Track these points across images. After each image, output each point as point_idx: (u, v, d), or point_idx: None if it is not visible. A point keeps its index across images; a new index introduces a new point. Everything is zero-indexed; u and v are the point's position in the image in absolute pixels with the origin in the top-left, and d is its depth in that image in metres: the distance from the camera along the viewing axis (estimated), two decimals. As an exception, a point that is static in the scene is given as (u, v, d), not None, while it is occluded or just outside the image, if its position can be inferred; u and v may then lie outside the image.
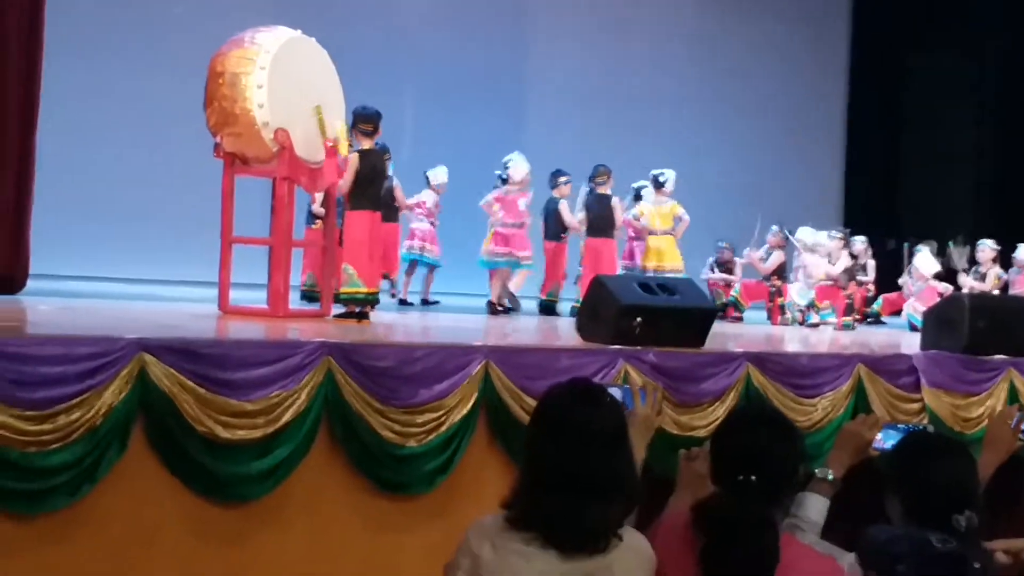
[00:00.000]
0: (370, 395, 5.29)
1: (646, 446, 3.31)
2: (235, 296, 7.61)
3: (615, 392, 3.24)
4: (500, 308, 10.11)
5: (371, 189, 7.78)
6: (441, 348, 5.69)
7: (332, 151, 7.44)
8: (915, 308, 11.54)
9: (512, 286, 10.42)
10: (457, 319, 9.28)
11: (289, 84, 7.34)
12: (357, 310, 7.63)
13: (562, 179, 10.77)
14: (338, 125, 7.62)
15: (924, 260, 12.17)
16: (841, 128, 16.44)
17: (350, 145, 7.74)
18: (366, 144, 7.85)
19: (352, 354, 5.32)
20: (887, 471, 3.15)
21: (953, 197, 15.36)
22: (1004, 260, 12.39)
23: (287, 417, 5.06)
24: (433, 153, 11.36)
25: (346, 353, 5.30)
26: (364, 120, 7.87)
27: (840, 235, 11.99)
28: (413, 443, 5.36)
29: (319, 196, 8.81)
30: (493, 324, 8.89)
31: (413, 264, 10.73)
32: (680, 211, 10.75)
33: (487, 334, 7.57)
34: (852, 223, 14.22)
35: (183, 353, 4.85)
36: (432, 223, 10.76)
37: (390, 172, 9.68)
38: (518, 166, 10.32)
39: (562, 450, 2.67)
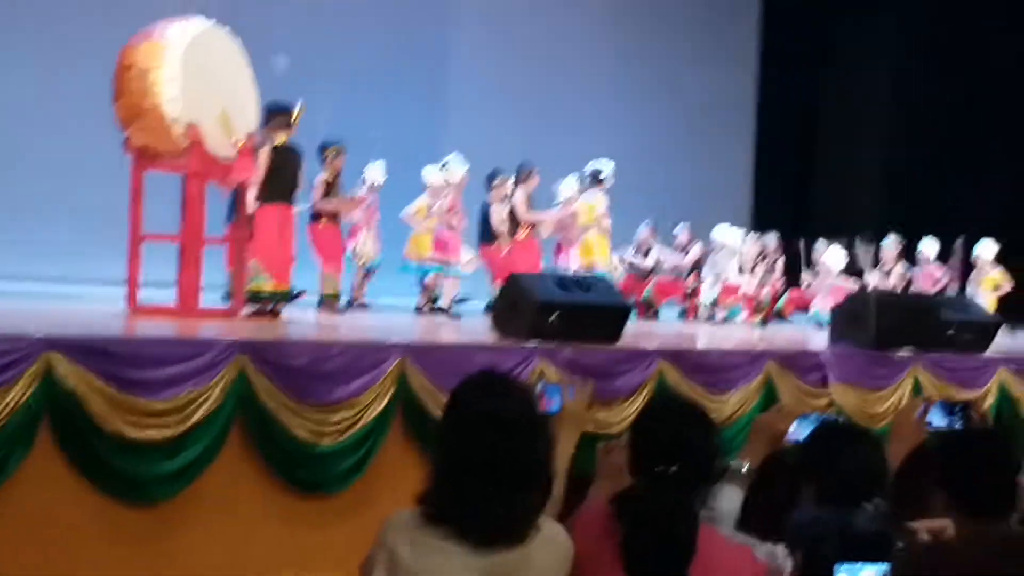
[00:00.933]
0: (284, 393, 5.25)
1: (576, 442, 3.32)
2: (148, 295, 7.47)
3: (545, 389, 3.24)
4: (432, 309, 9.97)
5: (282, 183, 7.69)
6: (356, 345, 5.66)
7: (245, 148, 7.35)
8: (822, 305, 11.76)
9: (445, 289, 10.19)
10: (374, 318, 9.21)
11: (201, 77, 7.21)
12: (269, 307, 7.54)
13: (496, 181, 10.58)
14: (249, 120, 7.53)
15: (832, 256, 12.38)
16: (751, 125, 16.69)
17: (266, 138, 7.67)
18: (280, 137, 7.77)
19: (265, 352, 5.27)
20: (800, 459, 3.20)
21: (862, 195, 15.68)
22: (910, 255, 12.66)
23: (198, 416, 5.00)
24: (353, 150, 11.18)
25: (259, 351, 5.24)
26: (277, 113, 7.79)
27: (752, 234, 12.15)
28: (327, 441, 5.34)
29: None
30: (410, 322, 8.84)
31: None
32: (596, 207, 10.63)
33: (403, 332, 7.53)
34: (761, 219, 14.44)
35: (91, 351, 4.76)
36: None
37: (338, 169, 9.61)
38: (456, 167, 10.17)
39: (473, 441, 2.65)
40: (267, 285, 7.51)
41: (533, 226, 10.66)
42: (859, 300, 7.87)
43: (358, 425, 5.43)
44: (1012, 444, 3.28)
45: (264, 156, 7.62)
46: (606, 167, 10.74)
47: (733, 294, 11.59)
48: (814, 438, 3.20)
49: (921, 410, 3.63)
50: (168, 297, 7.64)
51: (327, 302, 9.35)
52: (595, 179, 10.72)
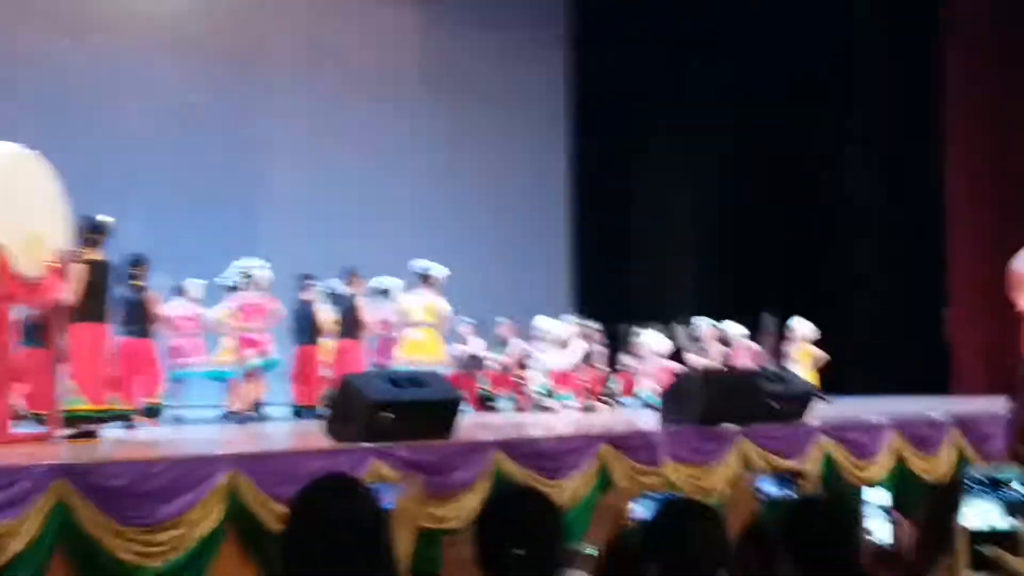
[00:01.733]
0: (107, 517, 5.02)
1: (412, 539, 3.26)
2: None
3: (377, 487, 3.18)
4: (248, 415, 9.87)
5: (97, 300, 7.45)
6: (181, 461, 5.46)
7: (56, 270, 7.08)
8: (649, 386, 12.02)
9: (254, 392, 10.19)
10: (199, 430, 8.96)
11: (4, 198, 6.97)
12: (86, 429, 7.23)
13: (309, 283, 10.66)
14: (60, 239, 7.30)
15: (652, 338, 12.71)
16: (567, 218, 17.09)
17: (78, 255, 7.45)
18: (93, 254, 7.53)
19: (84, 475, 5.03)
20: (645, 539, 3.21)
21: (677, 280, 16.25)
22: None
23: (17, 547, 4.73)
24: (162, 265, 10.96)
25: (78, 474, 5.01)
26: (90, 230, 7.57)
27: (575, 322, 12.37)
28: (156, 563, 5.10)
29: None
30: (238, 432, 8.64)
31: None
32: (442, 305, 10.79)
33: (231, 442, 7.32)
34: (583, 309, 14.75)
35: None
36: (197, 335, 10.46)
37: (146, 283, 9.45)
38: (264, 272, 10.23)
39: (320, 547, 2.58)
40: (84, 406, 7.21)
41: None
42: (687, 378, 8.06)
43: (189, 543, 5.22)
44: (845, 508, 3.37)
45: (79, 274, 7.37)
46: (433, 267, 10.79)
47: (561, 381, 11.73)
48: (657, 517, 3.21)
49: (754, 481, 3.70)
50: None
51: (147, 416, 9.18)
52: (423, 278, 10.78)
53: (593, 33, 16.87)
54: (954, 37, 13.96)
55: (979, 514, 2.90)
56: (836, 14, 15.23)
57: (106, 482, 5.06)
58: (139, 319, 9.32)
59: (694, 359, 12.80)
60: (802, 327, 12.83)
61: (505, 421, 9.91)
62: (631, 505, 3.47)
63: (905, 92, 14.61)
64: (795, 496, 3.74)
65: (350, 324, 10.56)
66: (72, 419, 7.26)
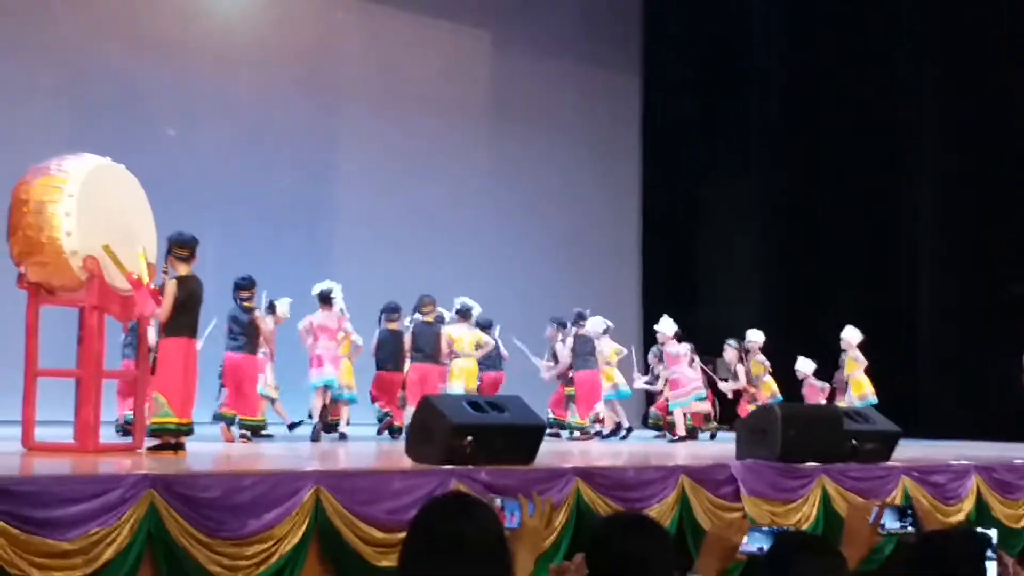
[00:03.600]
0: (196, 528, 5.07)
1: (535, 559, 3.24)
2: (40, 433, 7.17)
3: (504, 505, 3.18)
4: (327, 430, 10.08)
5: (188, 316, 7.55)
6: (270, 475, 5.52)
7: (138, 283, 7.19)
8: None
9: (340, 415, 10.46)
10: (285, 446, 9.07)
11: (98, 211, 7.11)
12: (172, 441, 7.32)
13: (395, 314, 10.95)
14: (148, 253, 7.43)
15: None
16: (639, 251, 17.08)
17: (166, 272, 7.57)
18: (183, 270, 7.65)
19: (176, 485, 5.10)
20: (762, 573, 3.15)
21: (743, 316, 16.13)
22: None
23: (108, 555, 4.79)
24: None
25: (169, 485, 5.07)
26: (180, 246, 7.68)
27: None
28: (242, 576, 5.15)
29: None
30: (323, 449, 8.74)
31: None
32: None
33: (317, 460, 7.39)
34: (649, 340, 14.72)
35: (-8, 492, 4.53)
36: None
37: (256, 304, 9.65)
38: (338, 293, 10.43)
39: (439, 564, 2.58)
40: (169, 419, 7.30)
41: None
42: (764, 413, 7.96)
43: (274, 558, 5.26)
44: (974, 544, 3.25)
45: (170, 289, 7.48)
46: (474, 305, 11.23)
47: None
48: (775, 552, 3.13)
49: (875, 513, 3.61)
50: (62, 436, 7.37)
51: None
52: (464, 314, 11.01)
53: (661, 68, 16.94)
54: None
55: None
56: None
57: (197, 494, 5.12)
58: (248, 336, 9.43)
59: (727, 387, 12.86)
60: (851, 334, 12.55)
61: (585, 448, 9.93)
62: (743, 537, 3.40)
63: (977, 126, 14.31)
64: (915, 530, 3.64)
65: (423, 349, 10.65)
66: (155, 431, 7.36)
